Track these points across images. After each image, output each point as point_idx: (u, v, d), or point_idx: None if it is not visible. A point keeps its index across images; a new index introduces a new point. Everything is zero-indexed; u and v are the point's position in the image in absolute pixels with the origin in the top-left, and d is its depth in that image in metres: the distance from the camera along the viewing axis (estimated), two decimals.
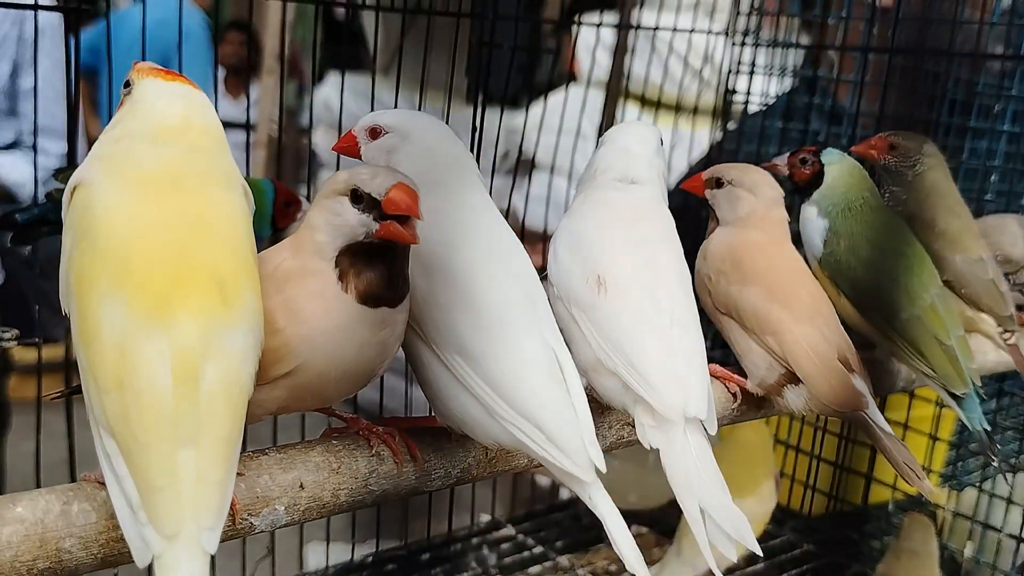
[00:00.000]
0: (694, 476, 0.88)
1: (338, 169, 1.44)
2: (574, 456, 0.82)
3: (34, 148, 1.33)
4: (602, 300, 0.94)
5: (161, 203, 0.72)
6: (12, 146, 1.78)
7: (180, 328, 0.67)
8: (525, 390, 0.82)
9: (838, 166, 1.23)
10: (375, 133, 0.94)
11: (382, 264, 0.79)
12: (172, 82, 0.78)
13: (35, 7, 1.17)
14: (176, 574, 0.64)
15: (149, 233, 0.70)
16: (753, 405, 1.13)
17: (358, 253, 0.78)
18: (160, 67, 0.80)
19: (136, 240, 0.70)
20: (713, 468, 0.90)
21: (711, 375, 1.04)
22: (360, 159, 0.95)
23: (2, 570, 0.69)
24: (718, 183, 1.17)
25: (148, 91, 0.77)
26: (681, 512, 0.88)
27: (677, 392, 0.91)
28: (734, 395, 1.12)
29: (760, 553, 0.90)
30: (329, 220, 0.78)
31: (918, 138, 1.34)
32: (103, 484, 0.72)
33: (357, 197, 0.77)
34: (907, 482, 1.08)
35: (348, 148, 0.96)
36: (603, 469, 0.83)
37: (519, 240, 0.93)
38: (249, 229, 0.76)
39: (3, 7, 1.07)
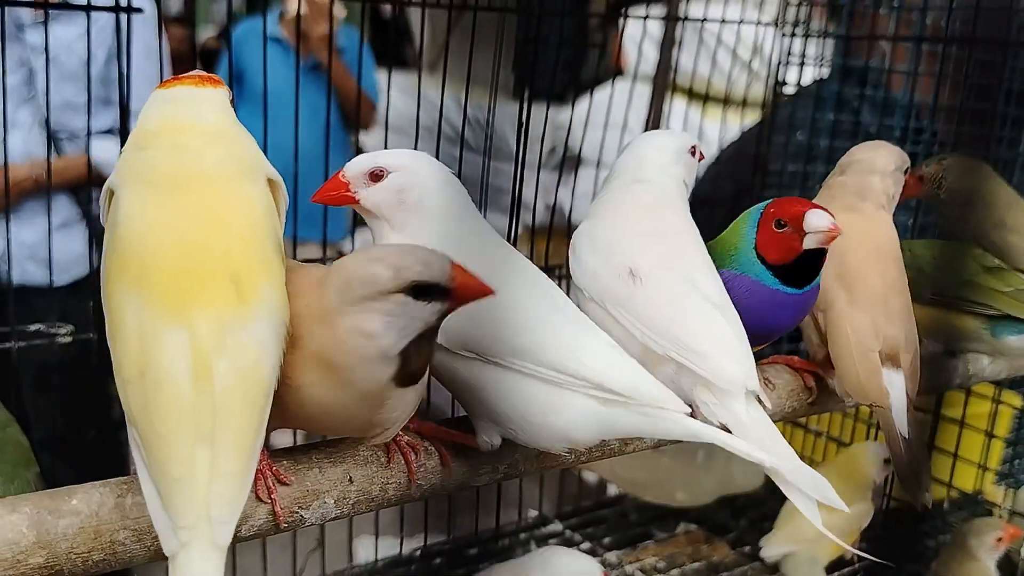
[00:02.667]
0: (768, 442, 0.88)
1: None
2: (655, 394, 0.84)
3: (122, 136, 1.34)
4: (639, 290, 0.94)
5: (177, 203, 0.74)
6: (109, 132, 1.83)
7: (194, 324, 0.69)
8: (586, 355, 0.84)
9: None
10: (377, 176, 0.89)
11: (428, 344, 0.76)
12: (176, 87, 0.80)
13: (87, 8, 1.19)
14: (189, 567, 0.65)
15: (165, 232, 0.72)
16: (827, 399, 1.13)
17: (420, 341, 0.74)
18: (190, 75, 0.82)
19: (152, 239, 0.72)
20: (778, 437, 0.90)
21: (789, 366, 1.08)
22: (355, 205, 0.91)
23: (58, 561, 0.70)
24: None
25: (156, 99, 0.80)
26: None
27: (735, 363, 0.91)
28: (810, 389, 1.12)
29: (847, 508, 0.87)
30: (392, 323, 0.72)
31: (939, 158, 1.35)
32: None
33: (420, 292, 0.72)
34: (903, 487, 1.07)
35: (338, 197, 0.90)
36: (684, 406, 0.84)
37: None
38: (270, 222, 0.77)
39: (59, 8, 1.09)
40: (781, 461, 0.86)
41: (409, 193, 0.90)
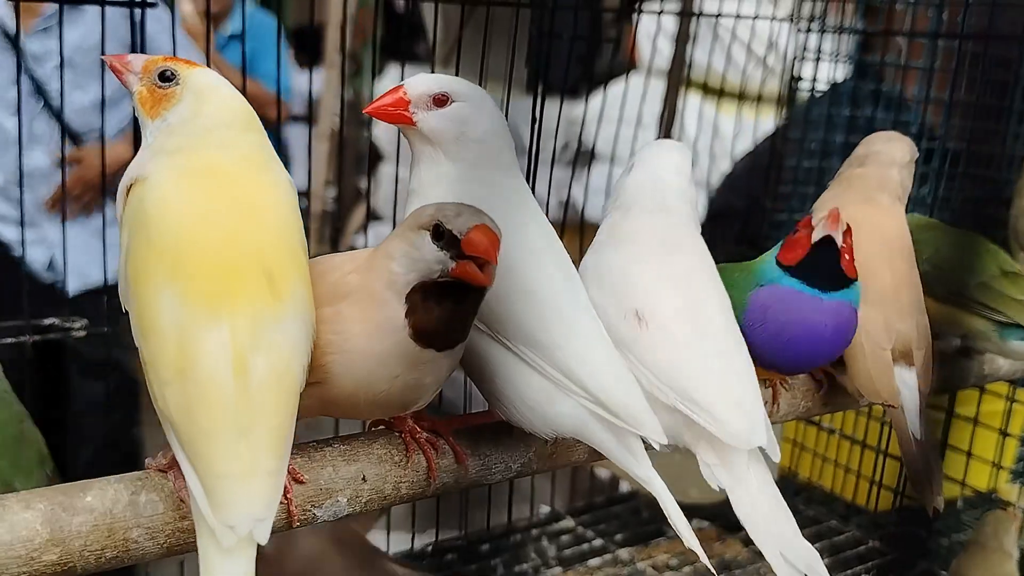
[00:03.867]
0: (767, 515, 0.87)
1: (398, 160, 1.45)
2: (641, 418, 0.82)
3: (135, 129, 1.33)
4: (644, 335, 0.90)
5: (210, 194, 0.73)
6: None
7: (233, 320, 0.68)
8: (590, 368, 0.83)
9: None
10: (441, 101, 0.86)
11: (452, 306, 0.76)
12: (199, 71, 0.78)
13: (102, 3, 1.18)
14: (227, 564, 0.65)
15: (200, 224, 0.71)
16: (835, 397, 1.13)
17: (430, 291, 0.75)
18: (164, 56, 0.79)
19: (187, 232, 0.71)
20: (777, 499, 0.88)
21: None
22: (409, 126, 0.87)
23: (72, 558, 0.70)
24: None
25: (199, 83, 0.77)
26: None
27: (741, 420, 0.88)
28: (819, 382, 1.11)
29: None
30: (407, 252, 0.75)
31: None
32: (164, 472, 0.74)
33: (439, 233, 0.74)
34: (914, 490, 1.07)
35: (395, 114, 0.87)
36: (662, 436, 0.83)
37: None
38: (296, 215, 0.77)
39: (75, 3, 1.08)
40: (777, 534, 0.86)
41: (473, 127, 0.87)
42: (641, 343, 0.91)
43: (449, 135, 0.86)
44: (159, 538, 0.74)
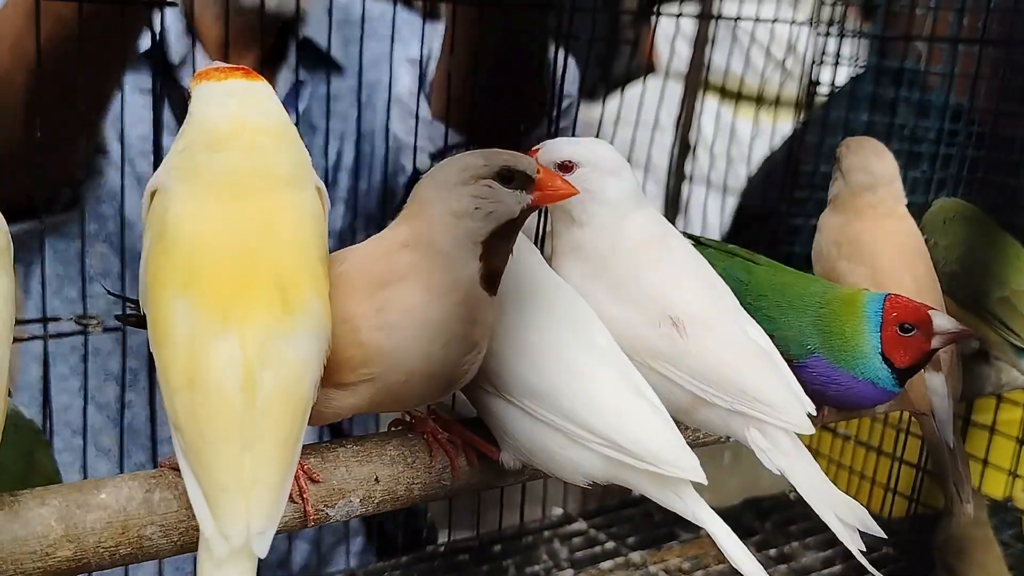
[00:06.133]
0: (821, 485, 0.89)
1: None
2: (674, 460, 0.81)
3: (155, 130, 1.33)
4: (687, 343, 0.89)
5: (226, 207, 0.72)
6: None
7: (242, 332, 0.68)
8: (605, 412, 0.82)
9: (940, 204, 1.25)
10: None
11: (508, 245, 0.79)
12: (225, 80, 0.75)
13: (122, 2, 1.19)
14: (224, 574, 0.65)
15: (214, 237, 0.71)
16: None
17: (503, 231, 0.78)
18: (222, 65, 0.77)
19: (202, 244, 0.71)
20: (816, 467, 0.91)
21: None
22: None
23: (86, 555, 0.71)
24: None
25: (201, 97, 0.75)
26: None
27: (795, 403, 0.90)
28: None
29: (885, 535, 0.91)
30: (480, 204, 0.76)
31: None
32: (177, 470, 0.74)
33: (507, 177, 0.77)
34: (947, 499, 1.06)
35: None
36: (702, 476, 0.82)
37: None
38: (318, 229, 0.76)
39: (93, 3, 1.09)
40: (833, 500, 0.88)
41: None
42: (687, 351, 0.89)
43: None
44: (172, 535, 0.74)
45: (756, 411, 0.89)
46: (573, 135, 1.55)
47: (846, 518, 0.89)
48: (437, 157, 1.42)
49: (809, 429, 0.89)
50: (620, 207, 0.93)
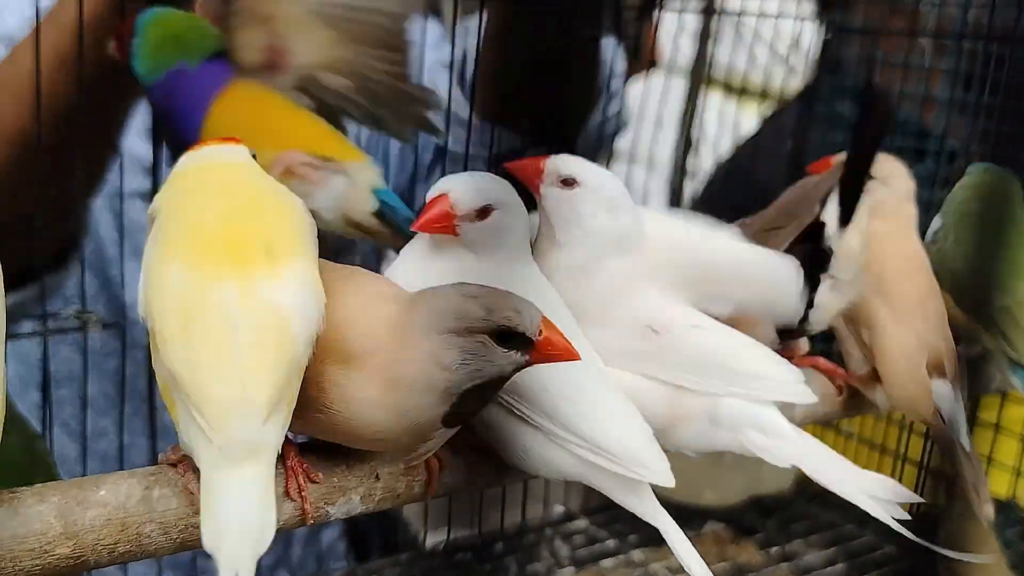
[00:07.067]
0: (837, 465, 0.89)
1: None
2: (651, 463, 0.81)
3: (154, 135, 1.33)
4: (668, 341, 0.89)
5: (215, 195, 0.78)
6: None
7: (231, 281, 0.70)
8: (583, 413, 0.82)
9: (971, 178, 1.22)
10: (484, 213, 0.87)
11: (490, 395, 0.76)
12: (203, 148, 0.83)
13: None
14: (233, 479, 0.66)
15: (204, 213, 0.76)
16: (855, 402, 1.12)
17: (483, 389, 0.73)
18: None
19: (193, 220, 0.75)
20: (824, 447, 0.90)
21: (815, 368, 1.05)
22: (454, 236, 0.88)
23: (84, 552, 0.71)
24: None
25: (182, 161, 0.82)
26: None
27: (792, 375, 0.91)
28: (839, 388, 1.10)
29: (919, 498, 0.91)
30: (467, 360, 0.71)
31: None
32: (174, 466, 0.75)
33: (504, 337, 0.72)
34: (966, 504, 1.06)
35: (441, 228, 0.86)
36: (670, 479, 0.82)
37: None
38: (306, 218, 0.79)
39: None
40: (849, 481, 0.88)
41: (508, 235, 0.88)
42: (670, 350, 0.89)
43: (489, 245, 0.87)
44: (172, 533, 0.74)
45: (752, 389, 0.88)
46: (621, 119, 1.54)
47: (877, 493, 0.88)
48: (495, 163, 1.39)
49: (811, 397, 0.89)
50: (599, 244, 0.91)
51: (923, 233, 1.19)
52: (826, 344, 1.18)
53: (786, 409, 0.93)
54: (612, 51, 1.41)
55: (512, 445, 0.84)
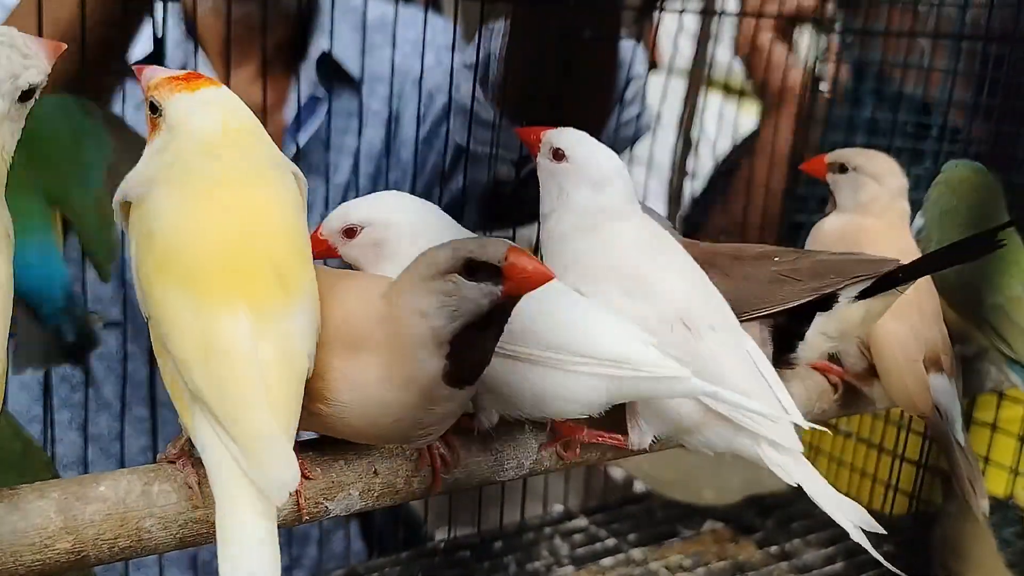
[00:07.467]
0: (835, 495, 0.88)
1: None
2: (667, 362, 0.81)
3: None
4: (699, 344, 0.88)
5: (219, 204, 0.74)
6: None
7: (245, 311, 0.69)
8: (600, 335, 0.82)
9: (946, 175, 1.23)
10: (351, 233, 0.90)
11: (495, 330, 0.75)
12: (198, 91, 0.76)
13: None
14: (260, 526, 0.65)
15: (212, 231, 0.72)
16: (851, 400, 1.12)
17: (476, 326, 0.73)
18: (175, 73, 0.78)
19: (193, 237, 0.72)
20: (818, 475, 0.89)
21: (812, 367, 1.05)
22: (339, 257, 0.91)
23: (85, 547, 0.71)
24: (842, 168, 1.15)
25: (180, 108, 0.76)
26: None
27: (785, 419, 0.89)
28: (834, 386, 1.10)
29: (884, 532, 0.91)
30: (444, 302, 0.72)
31: None
32: (174, 462, 0.75)
33: (471, 269, 0.72)
34: (964, 499, 1.07)
35: (322, 253, 0.91)
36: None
37: None
38: (301, 213, 0.78)
39: None
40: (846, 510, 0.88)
41: (385, 246, 0.89)
42: (700, 354, 0.88)
43: (369, 259, 0.90)
44: (172, 528, 0.74)
45: (756, 424, 0.87)
46: (640, 123, 1.54)
47: (853, 518, 0.88)
48: (521, 164, 1.39)
49: (797, 447, 0.88)
50: (585, 218, 0.91)
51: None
52: None
53: None
54: (631, 53, 1.41)
55: (532, 392, 0.83)
